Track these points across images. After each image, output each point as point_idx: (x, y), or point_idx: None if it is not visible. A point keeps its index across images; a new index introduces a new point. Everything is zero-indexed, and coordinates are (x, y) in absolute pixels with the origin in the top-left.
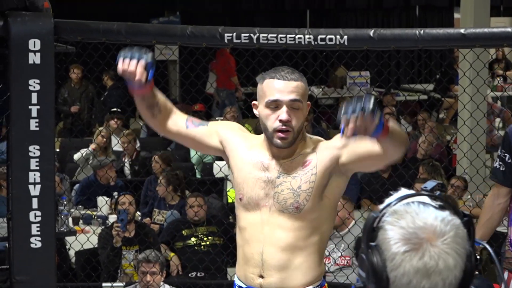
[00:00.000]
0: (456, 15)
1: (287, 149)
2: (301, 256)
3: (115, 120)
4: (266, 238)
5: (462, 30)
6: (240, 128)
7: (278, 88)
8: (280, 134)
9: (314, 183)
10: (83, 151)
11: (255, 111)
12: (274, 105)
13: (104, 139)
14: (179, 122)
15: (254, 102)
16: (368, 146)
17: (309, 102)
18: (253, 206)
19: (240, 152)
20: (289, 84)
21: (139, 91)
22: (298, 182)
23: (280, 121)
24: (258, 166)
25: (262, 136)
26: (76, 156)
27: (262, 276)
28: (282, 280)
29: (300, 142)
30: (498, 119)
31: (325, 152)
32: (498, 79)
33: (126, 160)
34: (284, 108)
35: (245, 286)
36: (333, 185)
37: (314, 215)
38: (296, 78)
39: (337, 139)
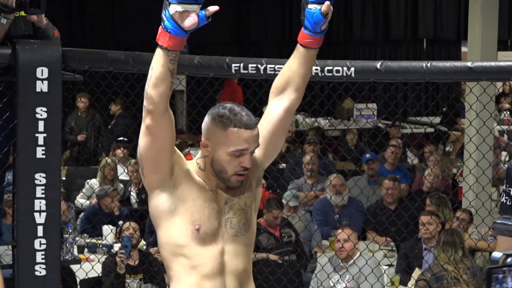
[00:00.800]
0: (463, 49)
1: (219, 184)
2: (249, 281)
3: (122, 149)
4: (227, 269)
5: (469, 64)
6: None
7: (246, 139)
8: (239, 178)
9: (252, 194)
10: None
11: (204, 150)
12: (239, 153)
13: (112, 171)
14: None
15: (203, 141)
16: (269, 116)
17: None
18: (210, 237)
19: (193, 180)
20: (254, 132)
21: (182, 41)
22: (244, 199)
23: (243, 167)
24: (209, 197)
25: (193, 164)
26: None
27: None
28: None
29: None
30: (504, 153)
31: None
32: (505, 112)
33: (132, 189)
34: (248, 156)
35: None
36: (258, 195)
37: (253, 232)
38: (254, 122)
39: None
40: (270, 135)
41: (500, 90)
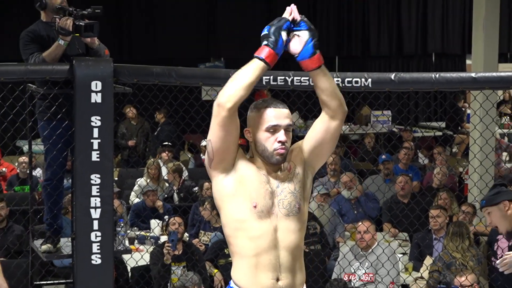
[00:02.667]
0: (468, 61)
1: (269, 170)
2: (300, 257)
3: (166, 152)
4: (281, 243)
5: (473, 74)
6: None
7: (275, 115)
8: (280, 152)
9: (301, 182)
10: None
11: (247, 137)
12: (273, 129)
13: (156, 171)
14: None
15: (246, 129)
16: (315, 125)
17: None
18: (265, 214)
19: (250, 166)
20: (283, 111)
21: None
22: (293, 185)
23: (279, 142)
24: (263, 180)
25: (247, 157)
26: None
27: (278, 279)
28: (292, 280)
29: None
30: (505, 153)
31: (296, 155)
32: (505, 117)
33: (175, 189)
34: (282, 132)
35: None
36: (308, 186)
37: (304, 214)
38: (285, 107)
39: (300, 147)
40: (315, 138)
41: (501, 98)
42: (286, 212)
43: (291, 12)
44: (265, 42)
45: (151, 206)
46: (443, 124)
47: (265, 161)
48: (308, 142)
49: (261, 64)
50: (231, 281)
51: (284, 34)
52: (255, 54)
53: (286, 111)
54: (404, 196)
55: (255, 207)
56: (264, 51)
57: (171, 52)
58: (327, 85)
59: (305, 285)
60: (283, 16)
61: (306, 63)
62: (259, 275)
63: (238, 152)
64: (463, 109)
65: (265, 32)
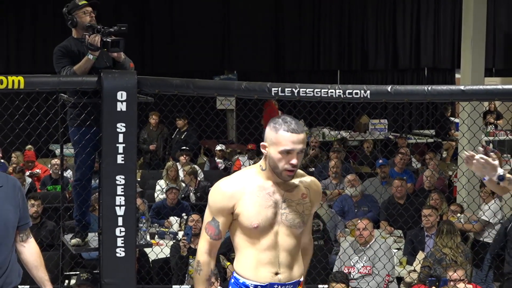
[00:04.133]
0: (457, 75)
1: (278, 185)
2: (299, 253)
3: (184, 156)
4: (280, 245)
5: (462, 87)
6: (226, 183)
7: (292, 140)
8: (289, 173)
9: (310, 211)
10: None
11: (263, 150)
12: (288, 152)
13: (175, 172)
14: (215, 246)
15: (263, 143)
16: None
17: None
18: (267, 228)
19: (252, 191)
20: (300, 136)
21: None
22: (302, 208)
23: (291, 164)
24: (266, 196)
25: (257, 167)
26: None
27: (277, 273)
28: (290, 274)
29: None
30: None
31: (313, 196)
32: (491, 126)
33: (192, 188)
34: (294, 155)
35: (264, 284)
36: (310, 218)
37: (308, 226)
38: (302, 130)
39: (318, 198)
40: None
41: (487, 108)
42: (288, 223)
43: None
44: None
45: (171, 204)
46: (434, 132)
47: (274, 174)
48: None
49: None
50: (234, 271)
51: None
52: None
53: (302, 136)
54: (400, 198)
55: (256, 227)
56: None
57: (189, 65)
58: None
59: (303, 276)
60: None
61: None
62: (260, 269)
63: (230, 201)
64: (451, 119)
65: None
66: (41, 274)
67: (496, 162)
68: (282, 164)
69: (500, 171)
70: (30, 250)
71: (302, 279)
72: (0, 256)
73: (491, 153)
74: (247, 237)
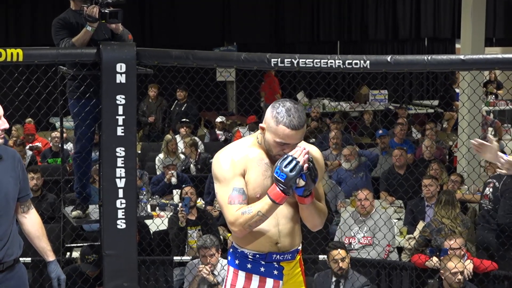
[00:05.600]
0: (457, 45)
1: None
2: (298, 223)
3: (184, 128)
4: (280, 214)
5: (462, 56)
6: (232, 153)
7: (290, 136)
8: (279, 157)
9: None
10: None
11: (260, 131)
12: (283, 144)
13: (173, 145)
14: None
15: (261, 125)
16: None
17: None
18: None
19: (252, 163)
20: (299, 132)
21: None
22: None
23: (284, 152)
24: (265, 167)
25: (254, 138)
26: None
27: (278, 243)
28: (290, 243)
29: None
30: (490, 128)
31: (317, 166)
32: (491, 96)
33: (192, 160)
34: (290, 146)
35: (264, 253)
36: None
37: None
38: (302, 124)
39: (318, 164)
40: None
41: (487, 78)
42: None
43: (304, 158)
44: (281, 188)
45: (167, 181)
46: (434, 102)
47: None
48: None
49: (271, 203)
50: (233, 242)
51: (297, 181)
52: (270, 196)
53: (301, 131)
54: (400, 168)
55: (258, 197)
56: (279, 196)
57: (189, 38)
58: (304, 216)
59: (300, 246)
60: (295, 154)
61: (298, 198)
62: (259, 239)
63: (239, 168)
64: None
65: (279, 178)
66: (43, 244)
67: (495, 144)
68: (276, 150)
69: (499, 147)
70: (31, 221)
71: (300, 247)
72: (1, 228)
73: (490, 136)
74: None
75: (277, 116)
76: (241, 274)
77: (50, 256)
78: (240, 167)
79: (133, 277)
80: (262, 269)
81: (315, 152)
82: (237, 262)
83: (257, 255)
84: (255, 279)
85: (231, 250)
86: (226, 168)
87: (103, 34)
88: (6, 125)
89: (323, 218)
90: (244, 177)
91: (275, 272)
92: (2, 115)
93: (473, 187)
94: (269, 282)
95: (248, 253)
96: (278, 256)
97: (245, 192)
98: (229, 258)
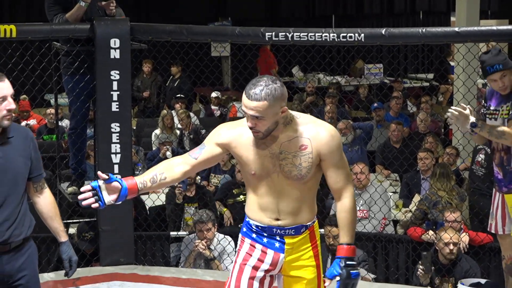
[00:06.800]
0: (452, 18)
1: (276, 135)
2: (305, 203)
3: (179, 103)
4: (281, 194)
5: (456, 29)
6: (228, 126)
7: (245, 104)
8: (253, 133)
9: (312, 163)
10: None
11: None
12: (245, 114)
13: (170, 121)
14: (189, 161)
15: None
16: (329, 175)
17: (285, 107)
18: (265, 175)
19: (247, 142)
20: (251, 103)
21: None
22: (299, 160)
23: (249, 125)
24: (261, 147)
25: None
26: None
27: (278, 219)
28: (294, 219)
29: (287, 127)
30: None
31: (318, 145)
32: None
33: (185, 133)
34: (250, 118)
35: (265, 226)
36: (317, 174)
37: (312, 180)
38: (260, 98)
39: (327, 145)
40: (324, 170)
41: (484, 50)
42: (286, 175)
43: None
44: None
45: (163, 156)
46: (430, 75)
47: None
48: (323, 163)
49: None
50: (246, 212)
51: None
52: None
53: (254, 103)
54: (396, 142)
55: (253, 174)
56: None
57: (184, 14)
58: None
59: (313, 220)
60: None
61: None
62: (261, 212)
63: (226, 136)
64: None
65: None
66: (56, 224)
67: (467, 112)
68: (248, 124)
69: (472, 119)
70: (45, 201)
71: (310, 223)
72: (8, 207)
73: (462, 104)
74: (249, 181)
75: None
76: (247, 241)
77: (63, 237)
78: (223, 141)
79: (130, 253)
80: (265, 240)
81: (319, 133)
82: (244, 229)
83: (259, 227)
84: (258, 247)
85: (246, 219)
86: (214, 133)
87: (96, 10)
88: (13, 106)
89: (355, 212)
90: (225, 151)
91: (277, 244)
92: (9, 95)
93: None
94: (270, 253)
95: (252, 224)
96: (279, 230)
97: (202, 153)
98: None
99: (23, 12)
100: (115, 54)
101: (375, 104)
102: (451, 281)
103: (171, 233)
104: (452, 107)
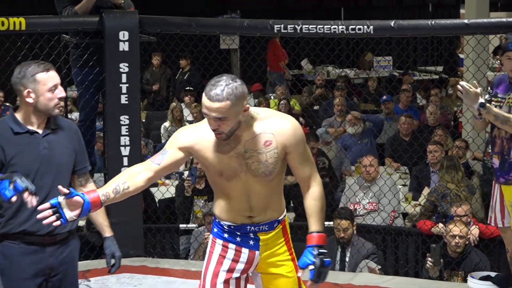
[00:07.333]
0: (461, 11)
1: (239, 134)
2: (275, 197)
3: (189, 96)
4: (251, 192)
5: (465, 21)
6: (189, 129)
7: (206, 106)
8: (216, 135)
9: (278, 158)
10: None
11: None
12: (206, 114)
13: (179, 112)
14: (151, 167)
15: None
16: (296, 167)
17: (247, 106)
18: (233, 175)
19: (212, 144)
20: (213, 104)
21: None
22: (265, 157)
23: (212, 127)
24: (226, 148)
25: None
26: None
27: (251, 216)
28: (266, 215)
29: (249, 124)
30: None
31: (283, 139)
32: (496, 61)
33: None
34: (211, 120)
35: (238, 225)
36: (283, 167)
37: (279, 174)
38: (222, 98)
39: (292, 138)
40: (290, 163)
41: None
42: (253, 173)
43: None
44: None
45: None
46: (439, 68)
47: None
48: (289, 155)
49: None
50: (214, 213)
51: None
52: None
53: (216, 105)
54: (405, 135)
55: (221, 175)
56: None
57: (192, 6)
58: None
59: (284, 214)
60: None
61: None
62: (233, 212)
63: (188, 140)
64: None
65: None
66: (100, 219)
67: (479, 90)
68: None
69: (481, 99)
70: None
71: (281, 217)
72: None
73: (474, 82)
74: (217, 183)
75: (205, 87)
76: (219, 242)
77: (107, 232)
78: (185, 144)
79: (139, 245)
80: (238, 239)
81: (280, 127)
82: (215, 230)
83: (232, 226)
84: (231, 247)
85: (216, 220)
86: (171, 140)
87: (106, 2)
88: (63, 93)
89: (324, 200)
90: (188, 154)
91: (251, 242)
92: (59, 84)
93: (477, 153)
94: (245, 251)
95: (223, 224)
96: (252, 228)
97: (164, 158)
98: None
99: (34, 5)
100: (124, 46)
101: (384, 97)
102: (460, 275)
103: (181, 225)
104: (463, 82)
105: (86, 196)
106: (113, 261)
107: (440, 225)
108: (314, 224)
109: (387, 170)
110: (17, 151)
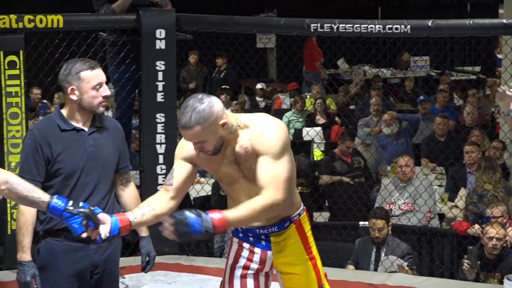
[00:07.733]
0: (500, 11)
1: (229, 143)
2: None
3: (224, 95)
4: (251, 195)
5: (504, 20)
6: (186, 142)
7: (182, 134)
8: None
9: (255, 162)
10: None
11: None
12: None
13: None
14: (168, 189)
15: None
16: (258, 172)
17: (224, 120)
18: (233, 183)
19: (204, 156)
20: (186, 132)
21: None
22: (250, 163)
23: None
24: (219, 157)
25: None
26: None
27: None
28: (274, 216)
29: (236, 133)
30: None
31: (256, 143)
32: None
33: None
34: (195, 145)
35: (247, 228)
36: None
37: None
38: (191, 125)
39: (260, 143)
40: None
41: None
42: (248, 179)
43: None
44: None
45: None
46: (476, 68)
47: None
48: (258, 158)
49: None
50: None
51: None
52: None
53: (189, 132)
54: (441, 135)
55: (222, 181)
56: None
57: (229, 5)
58: None
59: (297, 212)
60: None
61: None
62: None
63: (189, 154)
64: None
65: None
66: None
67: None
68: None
69: None
70: (129, 195)
71: (294, 216)
72: (98, 195)
73: (511, 84)
74: (224, 188)
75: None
76: (235, 241)
77: (143, 232)
78: (188, 155)
79: (174, 243)
80: (251, 238)
81: (254, 133)
82: (233, 229)
83: (243, 228)
84: (246, 246)
85: None
86: (175, 156)
87: (143, 0)
88: (108, 92)
89: (265, 212)
90: (195, 164)
91: (263, 242)
92: (104, 82)
93: None
94: (257, 251)
95: (238, 231)
96: (261, 230)
97: (174, 176)
98: None
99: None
100: (160, 44)
101: (421, 97)
102: (497, 276)
103: None
104: (500, 86)
105: (114, 216)
106: (147, 260)
107: (476, 226)
108: (232, 211)
109: (423, 171)
110: (64, 148)
